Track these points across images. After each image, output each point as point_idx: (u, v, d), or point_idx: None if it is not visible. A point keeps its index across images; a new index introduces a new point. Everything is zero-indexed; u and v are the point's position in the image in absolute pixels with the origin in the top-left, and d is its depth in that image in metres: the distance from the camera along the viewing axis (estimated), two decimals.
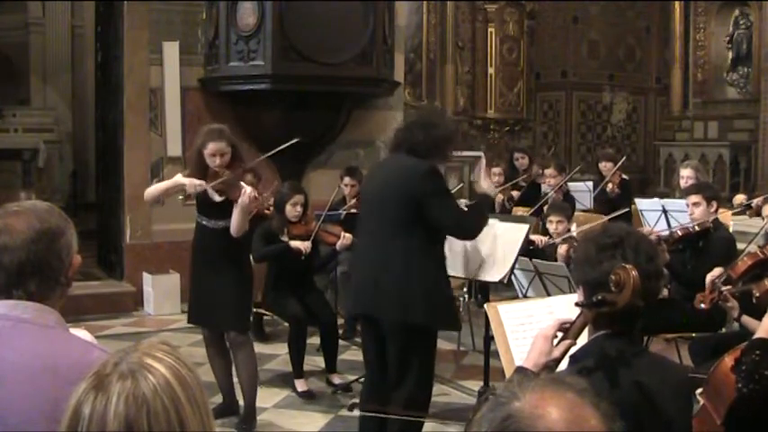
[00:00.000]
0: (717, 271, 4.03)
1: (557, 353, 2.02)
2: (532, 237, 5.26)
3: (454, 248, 4.57)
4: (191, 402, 1.21)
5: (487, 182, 4.21)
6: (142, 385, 1.18)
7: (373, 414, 3.61)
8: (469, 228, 3.83)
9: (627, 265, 1.97)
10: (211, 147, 4.26)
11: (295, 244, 5.27)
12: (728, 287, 3.71)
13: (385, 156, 3.84)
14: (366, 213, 3.89)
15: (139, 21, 7.23)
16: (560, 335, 2.06)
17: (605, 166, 7.66)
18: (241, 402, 4.61)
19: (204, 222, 4.41)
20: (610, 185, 7.42)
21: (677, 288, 4.97)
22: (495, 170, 7.79)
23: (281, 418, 4.74)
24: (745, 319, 3.70)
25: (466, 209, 3.95)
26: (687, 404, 2.15)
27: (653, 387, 2.02)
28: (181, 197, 4.42)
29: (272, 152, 4.77)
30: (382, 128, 7.85)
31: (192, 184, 4.24)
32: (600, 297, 2.00)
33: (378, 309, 3.65)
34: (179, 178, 4.37)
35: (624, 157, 8.36)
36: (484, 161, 4.39)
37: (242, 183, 4.27)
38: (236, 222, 4.24)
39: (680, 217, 5.36)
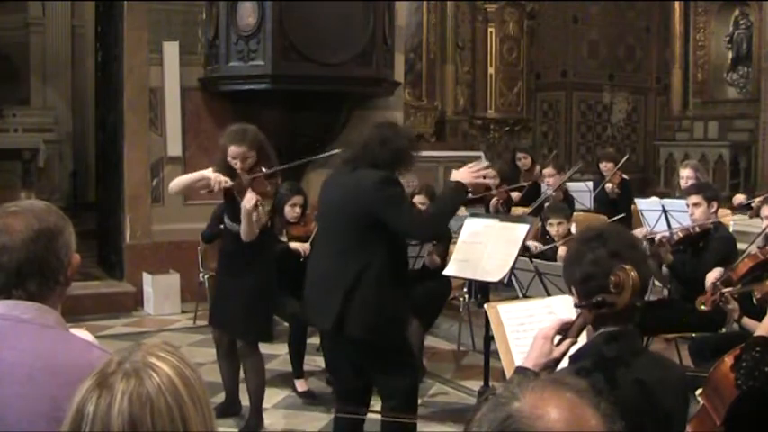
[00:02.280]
0: (717, 271, 4.04)
1: (557, 353, 2.02)
2: (528, 242, 5.13)
3: (455, 249, 4.57)
4: (194, 401, 1.21)
5: (465, 171, 3.73)
6: (146, 384, 1.18)
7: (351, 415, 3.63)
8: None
9: (626, 266, 1.97)
10: (231, 150, 4.14)
11: (294, 246, 5.26)
12: (729, 288, 3.71)
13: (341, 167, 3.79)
14: (321, 229, 3.92)
15: (139, 21, 7.22)
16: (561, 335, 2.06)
17: (606, 166, 7.65)
18: (244, 403, 4.61)
19: (227, 224, 4.36)
20: (610, 185, 7.41)
21: (677, 288, 4.97)
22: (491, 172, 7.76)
23: (281, 418, 4.74)
24: (746, 320, 3.71)
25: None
26: (685, 402, 2.16)
27: (652, 385, 2.02)
28: (203, 191, 4.28)
29: (301, 162, 4.53)
30: None
31: (218, 179, 4.11)
32: (600, 298, 2.00)
33: (322, 321, 3.67)
34: (206, 171, 4.24)
35: (626, 157, 8.34)
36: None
37: (250, 188, 4.09)
38: (242, 227, 4.14)
39: (680, 217, 5.35)
